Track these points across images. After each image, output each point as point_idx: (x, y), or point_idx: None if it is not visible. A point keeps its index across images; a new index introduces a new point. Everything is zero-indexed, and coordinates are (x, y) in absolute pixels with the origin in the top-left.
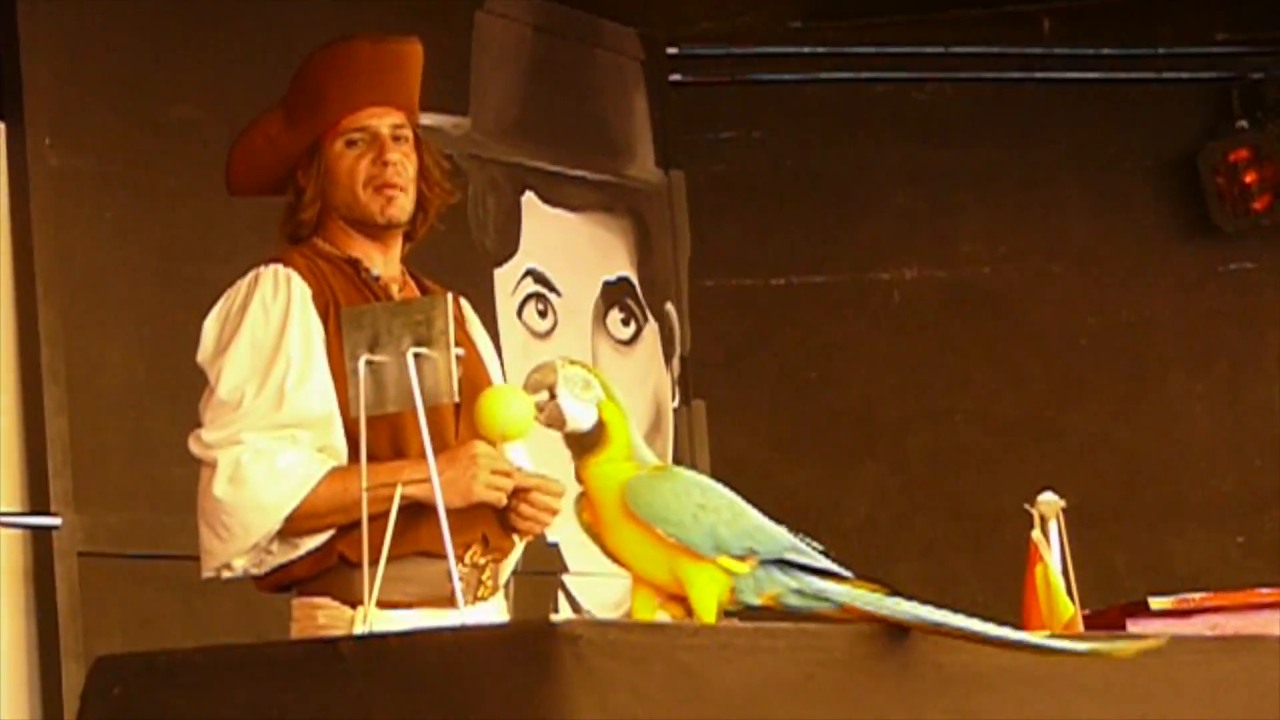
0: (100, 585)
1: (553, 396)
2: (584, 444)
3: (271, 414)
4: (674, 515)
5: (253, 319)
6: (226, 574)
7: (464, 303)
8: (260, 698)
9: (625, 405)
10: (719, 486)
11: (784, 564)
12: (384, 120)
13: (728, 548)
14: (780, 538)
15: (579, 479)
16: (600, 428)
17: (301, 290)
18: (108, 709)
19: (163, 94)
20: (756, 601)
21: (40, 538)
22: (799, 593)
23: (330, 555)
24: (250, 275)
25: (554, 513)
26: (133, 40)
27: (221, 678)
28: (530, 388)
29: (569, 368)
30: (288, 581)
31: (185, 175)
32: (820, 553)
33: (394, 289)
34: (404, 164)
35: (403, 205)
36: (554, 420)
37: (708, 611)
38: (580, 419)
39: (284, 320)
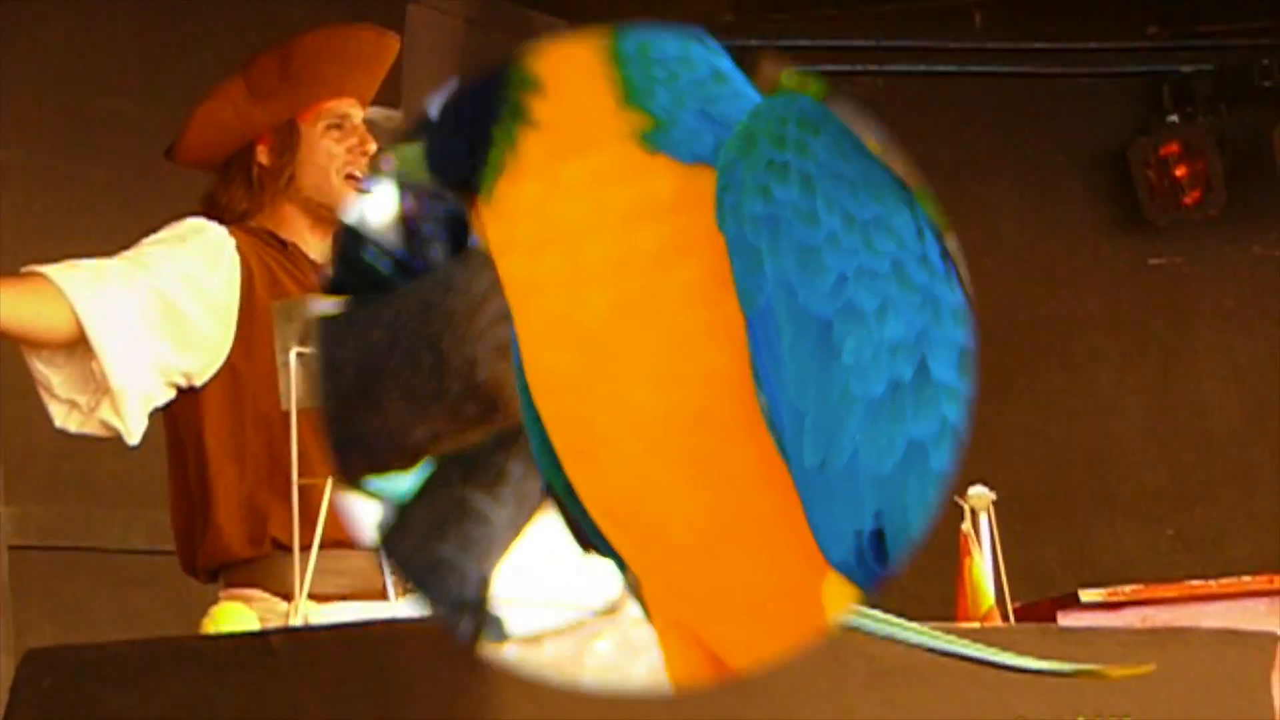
0: (31, 578)
1: None
2: None
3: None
4: None
5: (186, 252)
6: None
7: None
8: (191, 690)
9: None
10: None
11: None
12: (358, 111)
13: None
14: None
15: None
16: None
17: (231, 254)
18: (38, 701)
19: (92, 86)
20: None
21: None
22: None
23: (262, 542)
24: (186, 221)
25: None
26: (61, 32)
27: (152, 670)
28: None
29: None
30: (216, 568)
31: (115, 167)
32: None
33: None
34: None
35: None
36: None
37: None
38: None
39: (213, 265)
